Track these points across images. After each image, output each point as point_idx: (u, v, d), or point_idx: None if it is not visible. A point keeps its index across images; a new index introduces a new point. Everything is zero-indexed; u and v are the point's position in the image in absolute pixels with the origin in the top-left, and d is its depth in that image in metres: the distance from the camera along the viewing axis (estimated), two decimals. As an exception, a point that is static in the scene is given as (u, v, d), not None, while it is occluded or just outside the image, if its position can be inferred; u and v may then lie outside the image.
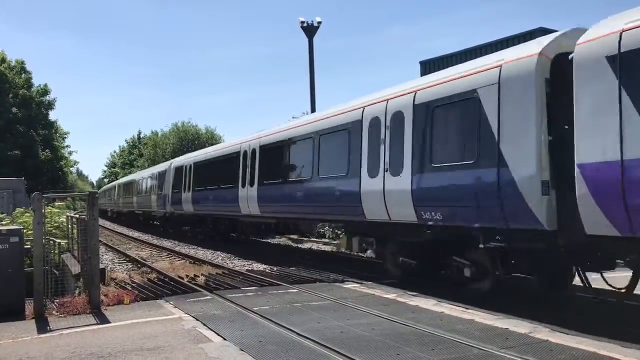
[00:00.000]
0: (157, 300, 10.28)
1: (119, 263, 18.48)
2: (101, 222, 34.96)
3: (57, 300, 10.00)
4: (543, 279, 8.87)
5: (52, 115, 58.02)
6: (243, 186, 18.78)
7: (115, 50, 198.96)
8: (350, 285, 11.37)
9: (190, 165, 25.57)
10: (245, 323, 8.14)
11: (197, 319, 8.45)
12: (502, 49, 13.10)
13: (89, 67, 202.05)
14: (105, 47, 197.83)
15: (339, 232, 20.61)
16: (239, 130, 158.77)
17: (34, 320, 8.87)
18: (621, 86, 6.91)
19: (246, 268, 15.18)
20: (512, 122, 8.51)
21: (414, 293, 10.13)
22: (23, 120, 51.69)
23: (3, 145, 48.90)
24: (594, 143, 7.21)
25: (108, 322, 8.52)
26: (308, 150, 14.73)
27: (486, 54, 15.10)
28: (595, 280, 8.59)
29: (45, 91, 56.03)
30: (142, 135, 75.88)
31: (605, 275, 8.42)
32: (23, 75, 54.44)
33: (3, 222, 16.74)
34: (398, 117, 11.09)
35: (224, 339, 7.24)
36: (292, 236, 24.37)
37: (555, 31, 9.46)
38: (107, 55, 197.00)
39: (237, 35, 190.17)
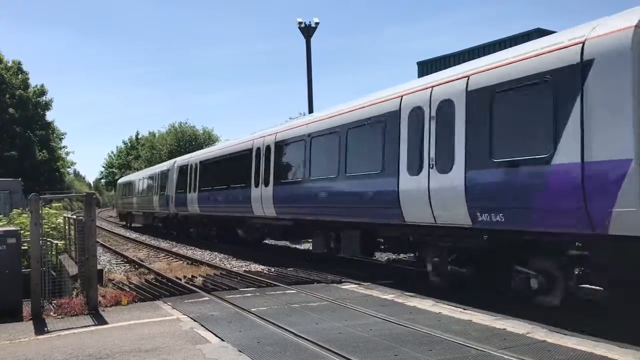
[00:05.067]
0: (155, 301, 10.27)
1: (117, 264, 18.45)
2: (98, 223, 34.54)
3: (54, 301, 9.98)
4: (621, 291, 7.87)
5: (49, 116, 57.91)
6: (256, 186, 17.58)
7: (114, 49, 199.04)
8: (348, 286, 11.37)
9: (196, 164, 24.44)
10: (243, 324, 8.14)
11: (195, 320, 8.44)
12: (500, 49, 13.04)
13: (86, 66, 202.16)
14: (104, 45, 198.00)
15: None
16: (237, 130, 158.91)
17: (31, 321, 8.85)
18: None
19: (244, 269, 15.17)
20: (602, 108, 7.28)
21: (412, 294, 10.13)
22: (20, 121, 51.60)
23: (0, 146, 48.81)
24: None
25: (106, 323, 8.50)
26: (333, 145, 13.48)
27: (485, 54, 15.11)
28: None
29: (42, 92, 55.93)
30: (139, 136, 75.81)
31: None
32: (20, 75, 54.31)
33: (0, 223, 16.69)
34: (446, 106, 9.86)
35: (222, 340, 7.24)
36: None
37: (554, 32, 9.36)
38: (105, 54, 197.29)
39: (236, 33, 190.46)
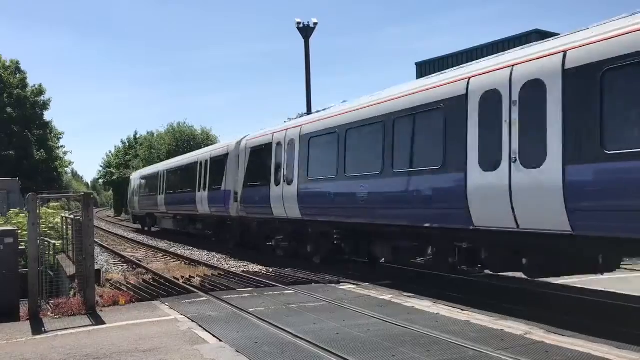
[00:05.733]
0: (153, 302, 10.25)
1: (114, 264, 18.43)
2: (96, 223, 34.08)
3: (52, 301, 9.98)
4: None
5: (47, 116, 57.78)
6: (490, 168, 9.06)
7: (114, 49, 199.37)
8: (346, 287, 11.37)
9: (292, 141, 15.56)
10: (241, 324, 8.13)
11: (192, 320, 8.43)
12: (499, 51, 12.98)
13: (86, 66, 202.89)
14: (104, 45, 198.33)
15: None
16: (236, 130, 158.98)
17: (28, 321, 8.84)
18: None
19: (242, 269, 15.17)
20: None
21: (410, 294, 10.13)
22: (18, 121, 51.50)
23: (-2, 146, 48.75)
24: None
25: (103, 323, 8.49)
26: None
27: (483, 55, 15.11)
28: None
29: (40, 91, 55.79)
30: (138, 136, 75.68)
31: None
32: (18, 75, 54.21)
33: (-3, 223, 16.64)
34: None
35: (220, 340, 7.23)
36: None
37: (553, 34, 9.35)
38: (104, 55, 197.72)
39: (236, 33, 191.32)
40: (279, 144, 16.40)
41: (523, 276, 9.79)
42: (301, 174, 14.91)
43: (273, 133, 17.09)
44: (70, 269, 11.64)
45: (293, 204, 15.23)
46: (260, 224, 18.41)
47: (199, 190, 23.54)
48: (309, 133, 14.83)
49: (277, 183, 16.19)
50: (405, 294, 10.17)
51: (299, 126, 15.53)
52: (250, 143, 18.86)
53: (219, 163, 21.71)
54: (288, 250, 16.78)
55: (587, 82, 7.78)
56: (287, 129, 16.16)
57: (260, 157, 17.69)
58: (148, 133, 68.26)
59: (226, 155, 20.96)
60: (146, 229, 36.15)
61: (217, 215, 21.75)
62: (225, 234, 21.99)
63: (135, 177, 40.31)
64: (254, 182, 17.97)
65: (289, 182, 15.46)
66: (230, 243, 21.20)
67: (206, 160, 23.39)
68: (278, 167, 16.29)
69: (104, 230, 38.66)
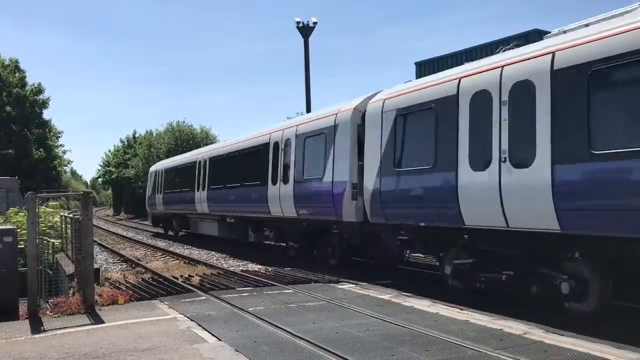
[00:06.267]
0: (152, 301, 10.25)
1: (113, 263, 18.43)
2: (95, 222, 33.83)
3: (51, 300, 9.97)
4: None
5: (46, 115, 57.74)
6: None
7: (113, 49, 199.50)
8: (345, 286, 11.37)
9: (523, 85, 8.47)
10: (240, 323, 8.13)
11: (191, 320, 8.43)
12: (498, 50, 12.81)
13: (85, 66, 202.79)
14: (103, 45, 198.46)
15: None
16: (235, 130, 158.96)
17: (27, 320, 8.83)
18: None
19: (241, 268, 15.17)
20: None
21: (409, 294, 10.14)
22: (17, 119, 51.46)
23: (-4, 145, 48.73)
24: None
25: (102, 322, 8.49)
26: None
27: (482, 55, 15.11)
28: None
29: (39, 90, 55.74)
30: (137, 135, 75.65)
31: None
32: (17, 74, 54.17)
33: (-4, 222, 16.62)
34: None
35: (219, 340, 7.23)
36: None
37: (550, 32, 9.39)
38: (104, 54, 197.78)
39: (236, 33, 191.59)
40: (480, 94, 9.36)
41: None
42: (560, 147, 7.92)
43: (460, 77, 9.98)
44: (69, 268, 11.64)
45: (536, 203, 8.22)
46: (414, 235, 11.24)
47: (274, 183, 16.48)
48: (586, 63, 7.63)
49: (479, 166, 9.30)
50: (404, 294, 10.18)
51: (538, 54, 8.44)
52: (396, 102, 11.52)
53: (315, 141, 14.71)
54: (495, 285, 9.46)
55: None
56: (502, 65, 9.06)
57: (425, 123, 10.59)
58: (147, 132, 68.17)
59: (334, 127, 13.70)
60: (171, 233, 29.38)
61: (312, 220, 14.79)
62: (323, 247, 15.07)
63: (159, 170, 31.56)
64: (409, 166, 11.08)
65: (520, 164, 8.55)
66: (331, 260, 14.54)
67: (287, 139, 16.06)
68: (478, 137, 9.37)
69: (103, 229, 38.63)
